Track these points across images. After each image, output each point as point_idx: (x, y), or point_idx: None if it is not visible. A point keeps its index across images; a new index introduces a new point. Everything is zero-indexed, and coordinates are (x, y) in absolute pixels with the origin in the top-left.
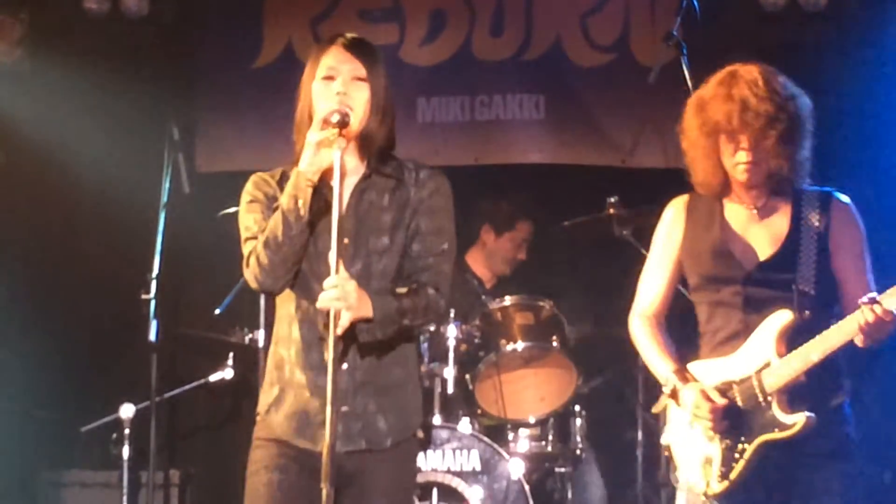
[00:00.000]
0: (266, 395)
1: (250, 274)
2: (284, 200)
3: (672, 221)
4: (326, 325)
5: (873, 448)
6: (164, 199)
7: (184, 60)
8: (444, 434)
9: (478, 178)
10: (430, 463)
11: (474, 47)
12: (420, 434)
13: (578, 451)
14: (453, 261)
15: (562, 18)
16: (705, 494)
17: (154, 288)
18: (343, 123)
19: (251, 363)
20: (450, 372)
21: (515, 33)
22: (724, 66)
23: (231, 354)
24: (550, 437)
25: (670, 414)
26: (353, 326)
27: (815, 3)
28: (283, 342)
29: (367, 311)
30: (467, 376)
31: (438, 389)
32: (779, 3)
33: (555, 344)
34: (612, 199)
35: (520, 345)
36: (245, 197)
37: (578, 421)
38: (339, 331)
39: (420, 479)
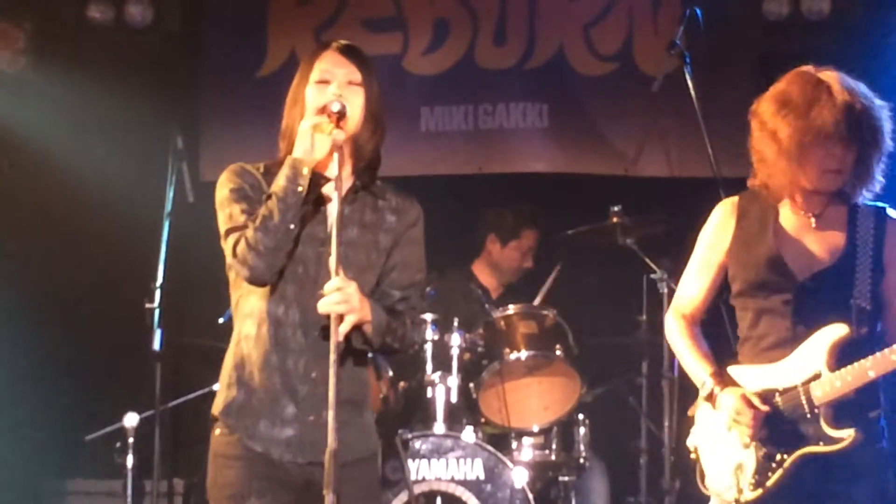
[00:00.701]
0: (222, 396)
1: (240, 262)
2: (280, 184)
3: (721, 223)
4: (325, 328)
5: None
6: (168, 207)
7: (188, 69)
8: (447, 443)
9: (481, 187)
10: (434, 472)
11: (478, 56)
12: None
13: (582, 460)
14: (423, 294)
15: (565, 27)
16: (736, 501)
17: (158, 297)
18: (342, 114)
19: None
20: (453, 381)
21: (518, 42)
22: (728, 74)
23: None
24: (554, 446)
25: (701, 416)
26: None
27: (819, 11)
28: (247, 341)
29: (367, 315)
30: (471, 385)
31: (442, 398)
32: (782, 12)
33: (558, 353)
34: (616, 208)
35: (523, 353)
36: (227, 185)
37: (582, 429)
38: (341, 336)
39: (424, 487)
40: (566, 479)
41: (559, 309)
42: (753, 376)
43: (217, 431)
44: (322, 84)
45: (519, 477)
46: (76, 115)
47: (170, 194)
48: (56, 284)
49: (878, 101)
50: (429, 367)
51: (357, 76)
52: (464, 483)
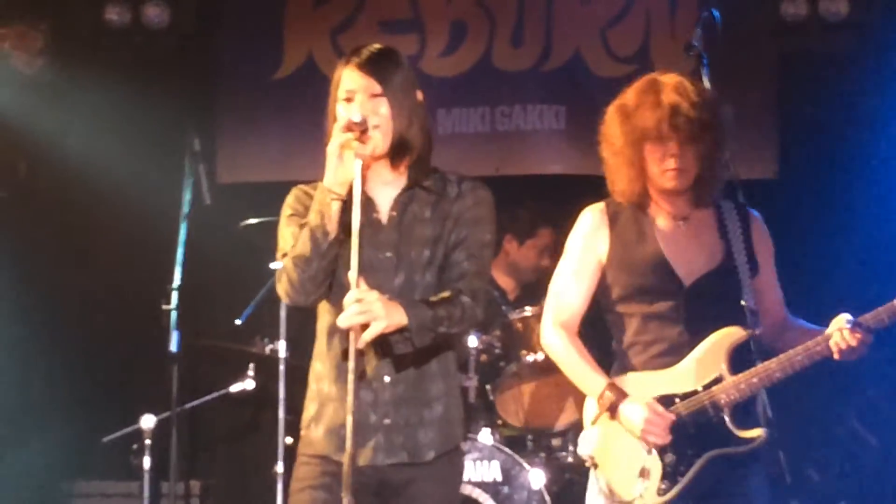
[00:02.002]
0: (307, 411)
1: (281, 290)
2: (312, 217)
3: (594, 229)
4: (384, 335)
5: None
6: (185, 209)
7: (205, 71)
8: (464, 445)
9: (497, 189)
10: None
11: (495, 58)
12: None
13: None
14: (490, 270)
15: (582, 29)
16: None
17: (175, 299)
18: (364, 128)
19: (272, 374)
20: (470, 382)
21: (536, 44)
22: (746, 75)
23: (252, 365)
24: (571, 448)
25: (598, 427)
26: (386, 337)
27: (836, 12)
28: (320, 357)
29: (400, 319)
30: (488, 387)
31: None
32: (800, 14)
33: None
34: None
35: (540, 355)
36: (285, 210)
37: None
38: (364, 343)
39: None
40: (583, 480)
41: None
42: (648, 383)
43: (302, 441)
44: (348, 101)
45: (536, 479)
46: (93, 117)
47: (187, 196)
48: (73, 286)
49: (713, 96)
50: None
51: (376, 88)
52: (481, 485)
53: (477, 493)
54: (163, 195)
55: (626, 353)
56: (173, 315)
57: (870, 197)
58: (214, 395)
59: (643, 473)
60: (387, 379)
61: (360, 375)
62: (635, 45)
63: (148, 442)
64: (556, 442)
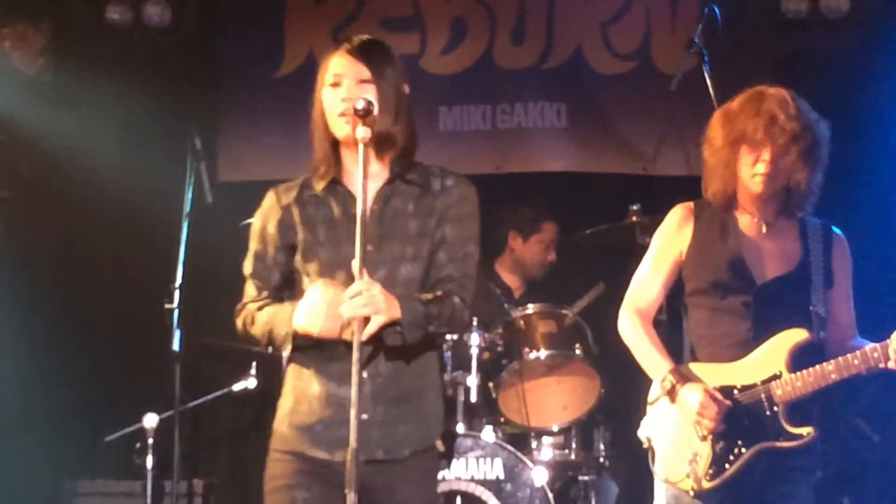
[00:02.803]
0: (282, 405)
1: (239, 326)
2: (274, 330)
3: (679, 224)
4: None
5: None
6: (187, 208)
7: (205, 70)
8: (467, 442)
9: (499, 187)
10: (454, 472)
11: (496, 56)
12: (440, 447)
13: (602, 460)
14: (476, 269)
15: (583, 27)
16: (693, 489)
17: (177, 297)
18: (367, 111)
19: (274, 373)
20: (473, 380)
21: (537, 41)
22: (747, 72)
23: (254, 364)
24: (574, 446)
25: (656, 408)
26: (380, 331)
27: (837, 9)
28: (301, 350)
29: (396, 312)
30: (490, 384)
31: (461, 398)
32: (801, 10)
33: (578, 352)
34: (635, 207)
35: (543, 353)
36: (256, 219)
37: (602, 429)
38: (365, 336)
39: (444, 487)
40: (586, 478)
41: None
42: (711, 374)
43: (275, 436)
44: (334, 87)
45: (539, 476)
46: (95, 117)
47: (188, 195)
48: (75, 285)
49: (815, 117)
50: (448, 366)
51: (366, 74)
52: (483, 483)
53: (480, 491)
54: (164, 194)
55: (695, 344)
56: (175, 314)
57: (872, 194)
58: (217, 393)
59: (694, 458)
60: (365, 374)
61: (339, 371)
62: (636, 43)
63: (150, 441)
64: (558, 440)
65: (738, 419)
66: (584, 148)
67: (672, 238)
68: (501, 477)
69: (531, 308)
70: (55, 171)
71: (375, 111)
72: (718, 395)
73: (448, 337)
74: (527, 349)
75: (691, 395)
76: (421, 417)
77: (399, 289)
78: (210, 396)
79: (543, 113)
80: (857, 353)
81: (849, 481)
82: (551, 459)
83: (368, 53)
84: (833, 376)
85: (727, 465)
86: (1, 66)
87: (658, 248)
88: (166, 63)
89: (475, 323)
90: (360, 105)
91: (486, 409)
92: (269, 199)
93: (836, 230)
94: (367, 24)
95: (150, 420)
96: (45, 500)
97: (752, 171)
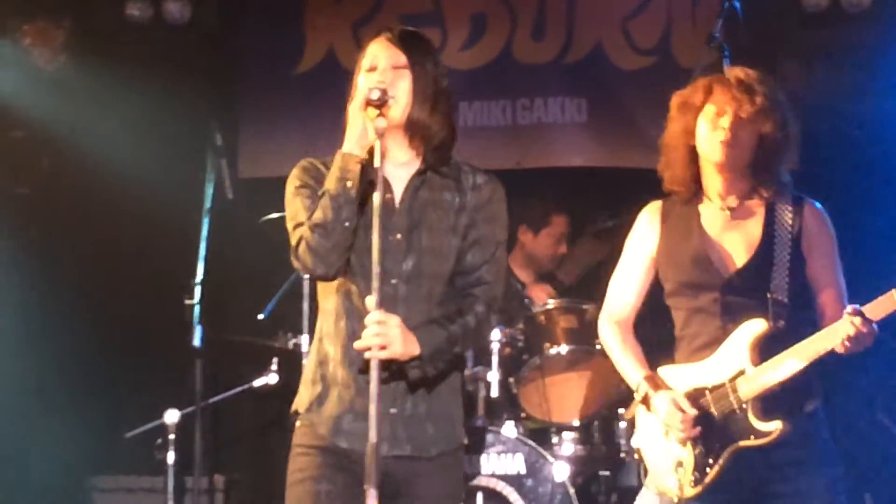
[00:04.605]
0: (307, 392)
1: (300, 261)
2: (331, 184)
3: (646, 226)
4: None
5: None
6: (208, 204)
7: (226, 66)
8: (488, 438)
9: (518, 182)
10: (475, 467)
11: (515, 51)
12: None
13: (623, 454)
14: (506, 269)
15: (603, 21)
16: (679, 498)
17: (198, 293)
18: (382, 101)
19: (295, 368)
20: (494, 375)
21: (557, 37)
22: (767, 67)
23: (275, 359)
24: (595, 440)
25: (640, 419)
26: (402, 363)
27: (858, 3)
28: (328, 338)
29: (412, 349)
30: (511, 380)
31: (482, 393)
32: (821, 4)
33: (598, 347)
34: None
35: (563, 348)
36: (293, 182)
37: (623, 424)
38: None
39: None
40: (607, 473)
41: (599, 303)
42: (684, 376)
43: (298, 424)
44: (370, 71)
45: (560, 471)
46: (115, 113)
47: (209, 191)
48: (96, 281)
49: (781, 97)
50: (469, 362)
51: (402, 60)
52: (505, 478)
53: (501, 486)
54: (185, 190)
55: (675, 346)
56: (196, 310)
57: (893, 189)
58: (237, 389)
59: (679, 465)
60: (394, 367)
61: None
62: (656, 37)
63: (172, 437)
64: (579, 434)
65: (712, 421)
66: (604, 143)
67: (640, 242)
68: (523, 472)
69: (552, 303)
70: (75, 168)
71: (392, 101)
72: (683, 402)
73: None
74: (547, 344)
75: (660, 403)
76: (449, 417)
77: (425, 282)
78: (231, 392)
79: (564, 108)
80: (817, 335)
81: (871, 477)
82: (572, 454)
83: (406, 40)
84: (792, 363)
85: (708, 470)
86: (22, 63)
87: (629, 253)
88: (186, 59)
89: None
90: (375, 95)
91: (507, 405)
92: (303, 164)
93: (814, 203)
94: (387, 19)
95: (172, 416)
96: (66, 495)
97: (713, 137)
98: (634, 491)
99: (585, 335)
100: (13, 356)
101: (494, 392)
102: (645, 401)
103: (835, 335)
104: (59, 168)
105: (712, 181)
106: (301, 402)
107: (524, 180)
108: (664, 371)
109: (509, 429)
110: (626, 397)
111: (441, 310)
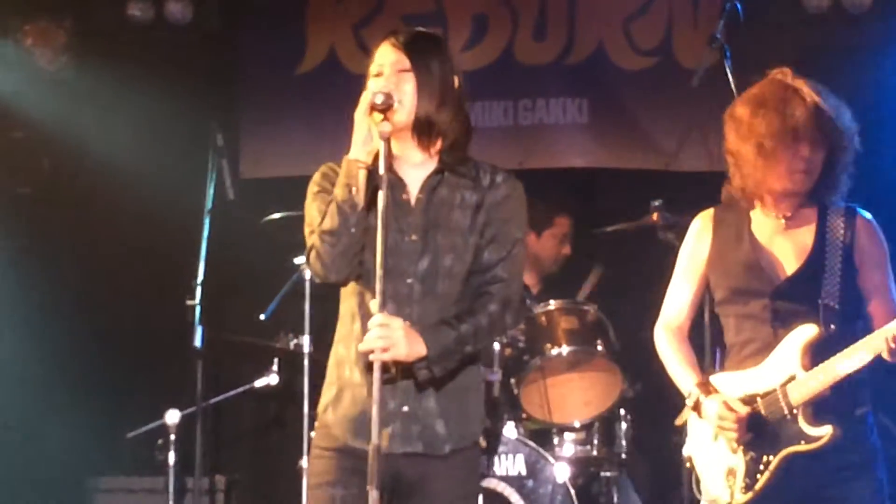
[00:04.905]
0: (325, 395)
1: (312, 269)
2: (338, 190)
3: (699, 235)
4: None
5: None
6: (209, 205)
7: (227, 67)
8: (489, 439)
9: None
10: None
11: (517, 52)
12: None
13: (624, 456)
14: (524, 268)
15: (605, 22)
16: None
17: (199, 294)
18: (387, 105)
19: (296, 369)
20: (495, 376)
21: (558, 37)
22: (769, 68)
23: (276, 360)
24: (596, 442)
25: (691, 426)
26: (410, 364)
27: (860, 4)
28: (344, 340)
29: (418, 350)
30: (512, 380)
31: (483, 394)
32: (822, 5)
33: (600, 348)
34: (657, 203)
35: (565, 349)
36: (312, 188)
37: (624, 425)
38: (376, 359)
39: None
40: (608, 474)
41: (600, 304)
42: (736, 383)
43: (317, 425)
44: (377, 77)
45: (561, 472)
46: (116, 114)
47: (210, 191)
48: (97, 282)
49: (843, 106)
50: None
51: (405, 63)
52: (505, 479)
53: (501, 487)
54: (186, 191)
55: (726, 353)
56: (197, 310)
57: (892, 191)
58: (239, 390)
59: (730, 472)
60: (404, 367)
61: (385, 369)
62: (658, 38)
63: (172, 437)
64: (580, 436)
65: (764, 427)
66: (605, 144)
67: (693, 250)
68: (523, 473)
69: (553, 304)
70: (76, 168)
71: (397, 105)
72: (735, 404)
73: None
74: (549, 345)
75: (710, 406)
76: (463, 414)
77: (441, 281)
78: (232, 393)
79: (565, 109)
80: (861, 341)
81: None
82: (573, 455)
83: (411, 44)
84: (840, 368)
85: (758, 476)
86: (23, 64)
87: (682, 261)
88: (188, 60)
89: None
90: (380, 100)
91: (508, 406)
92: (323, 170)
93: (864, 213)
94: (388, 20)
95: (173, 416)
96: (68, 496)
97: (792, 168)
98: (635, 492)
99: (587, 336)
100: (13, 356)
101: (495, 393)
102: (696, 407)
103: (877, 342)
104: (60, 168)
105: (775, 195)
106: (321, 404)
107: (526, 181)
108: (716, 378)
109: (510, 430)
110: (626, 398)
111: (458, 308)
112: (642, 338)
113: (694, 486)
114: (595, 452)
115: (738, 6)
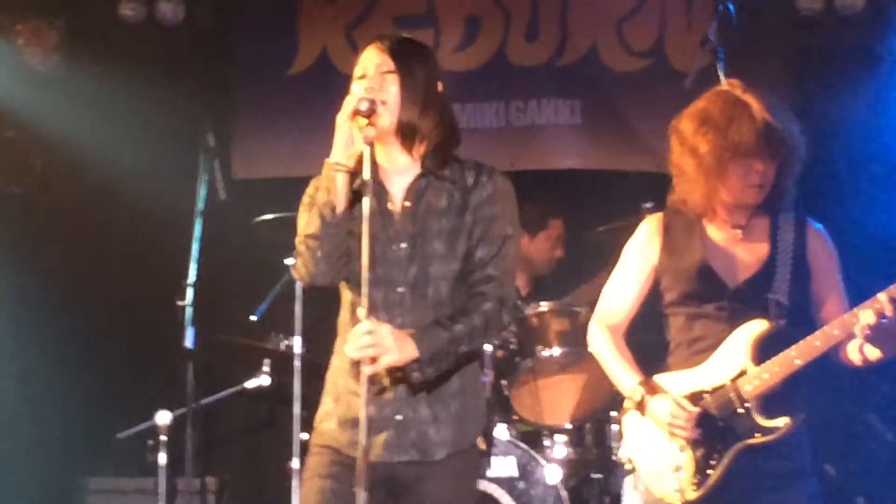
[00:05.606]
0: (323, 406)
1: (297, 273)
2: (320, 195)
3: (647, 238)
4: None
5: None
6: (200, 205)
7: (219, 67)
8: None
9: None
10: None
11: (509, 53)
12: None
13: (615, 457)
14: (517, 265)
15: (597, 24)
16: (681, 503)
17: (190, 294)
18: (371, 111)
19: (287, 369)
20: (486, 378)
21: (550, 38)
22: (761, 69)
23: (267, 361)
24: (587, 443)
25: (630, 426)
26: (401, 367)
27: (852, 7)
28: (338, 353)
29: (409, 352)
30: (503, 382)
31: None
32: (815, 8)
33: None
34: (648, 205)
35: (556, 350)
36: (304, 198)
37: (615, 427)
38: (373, 371)
39: None
40: (599, 476)
41: (592, 306)
42: (680, 381)
43: (314, 433)
44: (361, 79)
45: (552, 474)
46: (108, 113)
47: (202, 192)
48: (88, 282)
49: (792, 119)
50: None
51: (390, 65)
52: (497, 481)
53: (493, 489)
54: (178, 191)
55: (671, 352)
56: (188, 311)
57: (887, 189)
58: (230, 391)
59: (677, 469)
60: (398, 374)
61: (375, 380)
62: (651, 40)
63: (163, 438)
64: (572, 437)
65: (714, 423)
66: (598, 145)
67: (641, 252)
68: (515, 475)
69: (544, 306)
70: (68, 168)
71: (381, 109)
72: (686, 402)
73: None
74: (540, 347)
75: (659, 406)
76: (458, 419)
77: (432, 287)
78: (223, 394)
79: (557, 110)
80: (818, 332)
81: (862, 480)
82: (565, 457)
83: (396, 47)
84: (797, 361)
85: (710, 472)
86: (15, 63)
87: (628, 261)
88: (180, 60)
89: None
90: (364, 106)
91: (500, 407)
92: (314, 181)
93: (814, 223)
94: (380, 21)
95: (163, 417)
96: (58, 496)
97: (746, 183)
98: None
99: (578, 338)
100: (3, 357)
101: (487, 394)
102: (640, 406)
103: (835, 331)
104: (52, 168)
105: (728, 208)
106: (318, 414)
107: (519, 183)
108: (659, 378)
109: (501, 431)
110: (618, 400)
111: (452, 309)
112: (633, 339)
113: (632, 488)
114: (586, 454)
115: (731, 8)
